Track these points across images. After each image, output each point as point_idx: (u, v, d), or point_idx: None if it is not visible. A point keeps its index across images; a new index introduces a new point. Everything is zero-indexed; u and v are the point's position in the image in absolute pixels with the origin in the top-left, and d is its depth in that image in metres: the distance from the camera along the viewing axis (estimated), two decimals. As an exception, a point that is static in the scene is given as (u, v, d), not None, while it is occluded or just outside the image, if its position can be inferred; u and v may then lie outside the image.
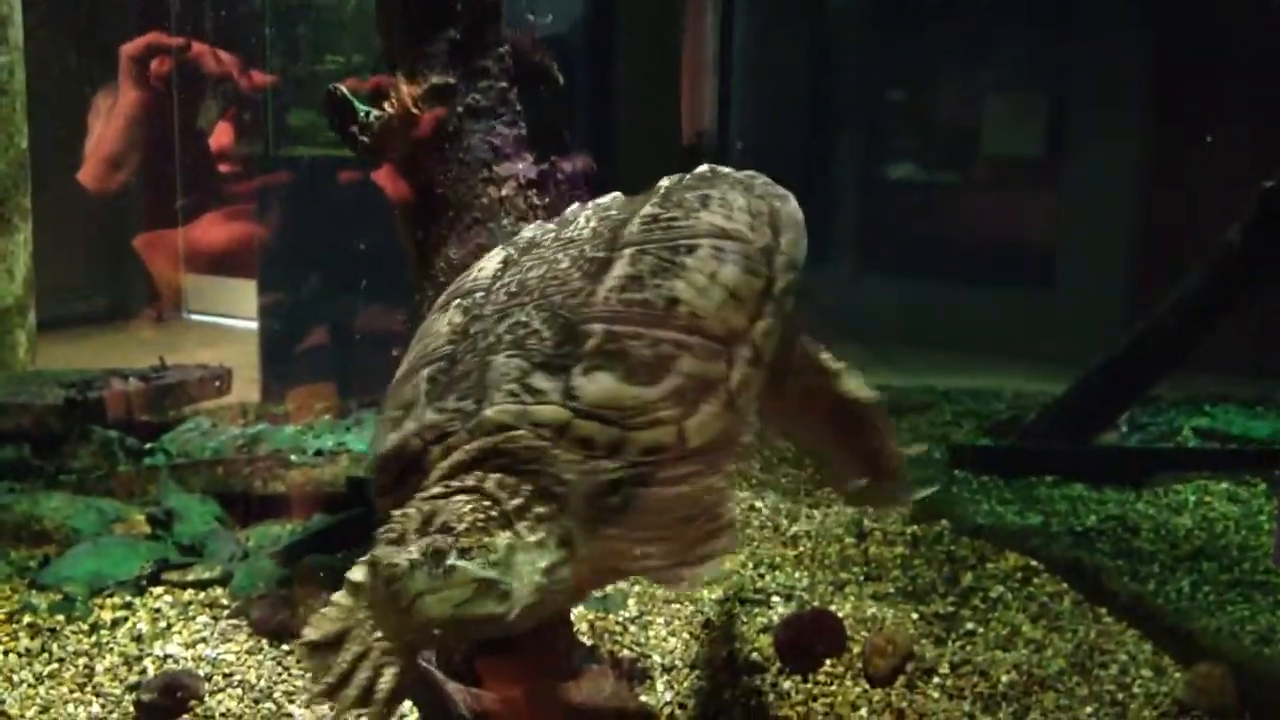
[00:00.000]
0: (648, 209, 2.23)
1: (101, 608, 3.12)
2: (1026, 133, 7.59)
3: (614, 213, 2.28)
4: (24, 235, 5.37)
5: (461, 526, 1.78)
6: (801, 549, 3.61)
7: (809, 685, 2.78)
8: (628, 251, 2.09)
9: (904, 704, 2.67)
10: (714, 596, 3.26)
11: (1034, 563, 3.41)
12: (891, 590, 3.29)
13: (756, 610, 3.16)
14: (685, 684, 2.80)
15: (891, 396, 5.47)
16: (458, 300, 2.17)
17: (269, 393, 6.06)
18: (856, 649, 2.90)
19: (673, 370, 1.93)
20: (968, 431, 5.16)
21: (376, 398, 5.45)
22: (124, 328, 7.39)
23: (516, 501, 1.84)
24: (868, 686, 2.76)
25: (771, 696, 2.73)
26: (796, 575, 3.41)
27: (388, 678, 1.89)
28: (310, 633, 1.94)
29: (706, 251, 2.10)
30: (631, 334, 1.96)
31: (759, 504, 3.99)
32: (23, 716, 2.61)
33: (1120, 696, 2.71)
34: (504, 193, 2.68)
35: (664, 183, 2.54)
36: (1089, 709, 2.65)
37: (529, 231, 2.37)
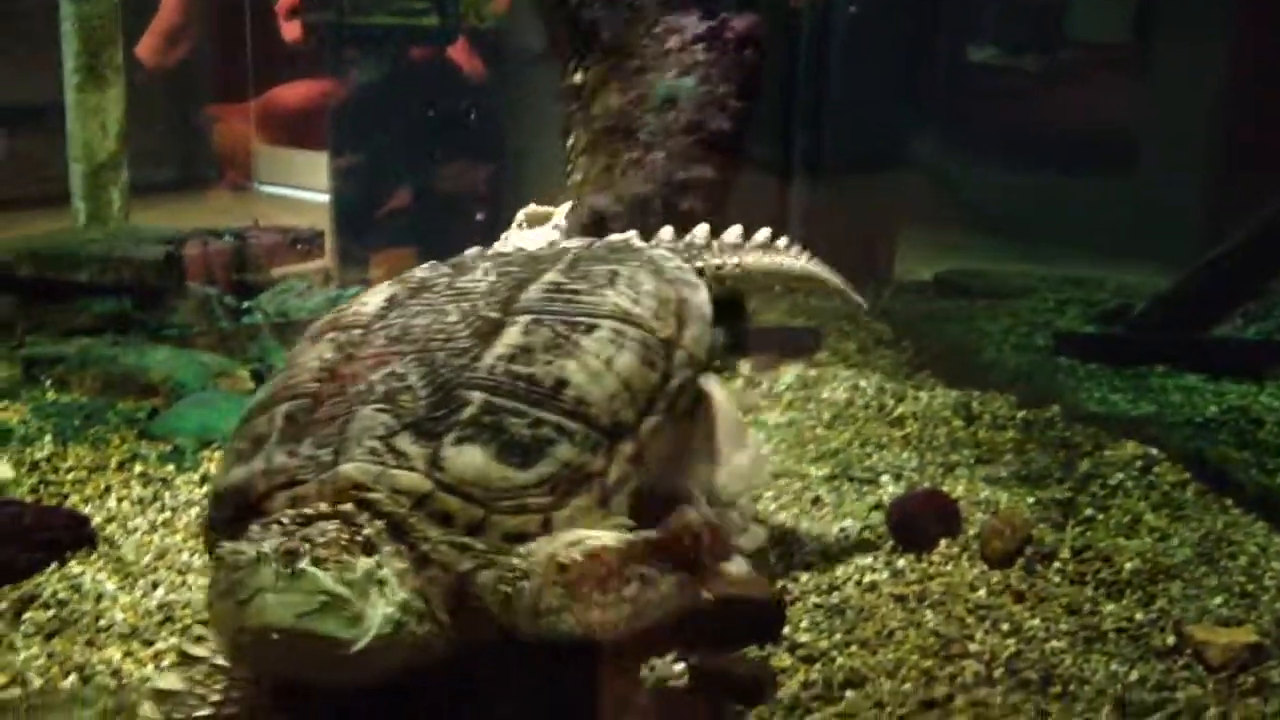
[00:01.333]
0: (552, 274, 2.11)
1: (209, 460, 3.13)
2: (1114, 17, 7.27)
3: (515, 269, 2.15)
4: (116, 90, 5.31)
5: (322, 539, 1.68)
6: (908, 430, 3.53)
7: (923, 564, 2.72)
8: (523, 319, 1.97)
9: (1024, 587, 2.61)
10: (821, 473, 3.21)
11: (1153, 451, 3.31)
12: (1004, 474, 3.21)
13: (866, 488, 3.11)
14: (797, 558, 2.76)
15: (988, 281, 5.38)
16: (332, 334, 2.04)
17: (346, 260, 6.03)
18: (972, 531, 2.83)
19: (549, 456, 1.82)
20: (1071, 319, 5.01)
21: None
22: (198, 196, 7.39)
23: (378, 525, 1.73)
24: (985, 568, 2.70)
25: (886, 574, 2.69)
26: (904, 455, 3.34)
27: None
28: (159, 681, 1.85)
29: (606, 334, 1.99)
30: (512, 409, 1.84)
31: (862, 383, 3.91)
32: (137, 563, 2.63)
33: (1250, 588, 2.63)
34: (670, 45, 2.59)
35: (572, 245, 2.42)
36: (1218, 599, 2.57)
37: (421, 271, 2.24)
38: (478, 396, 1.83)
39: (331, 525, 1.70)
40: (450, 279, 2.14)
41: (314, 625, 1.62)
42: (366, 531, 1.71)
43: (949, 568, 2.71)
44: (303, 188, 6.94)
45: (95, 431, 3.27)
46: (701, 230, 2.51)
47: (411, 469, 1.75)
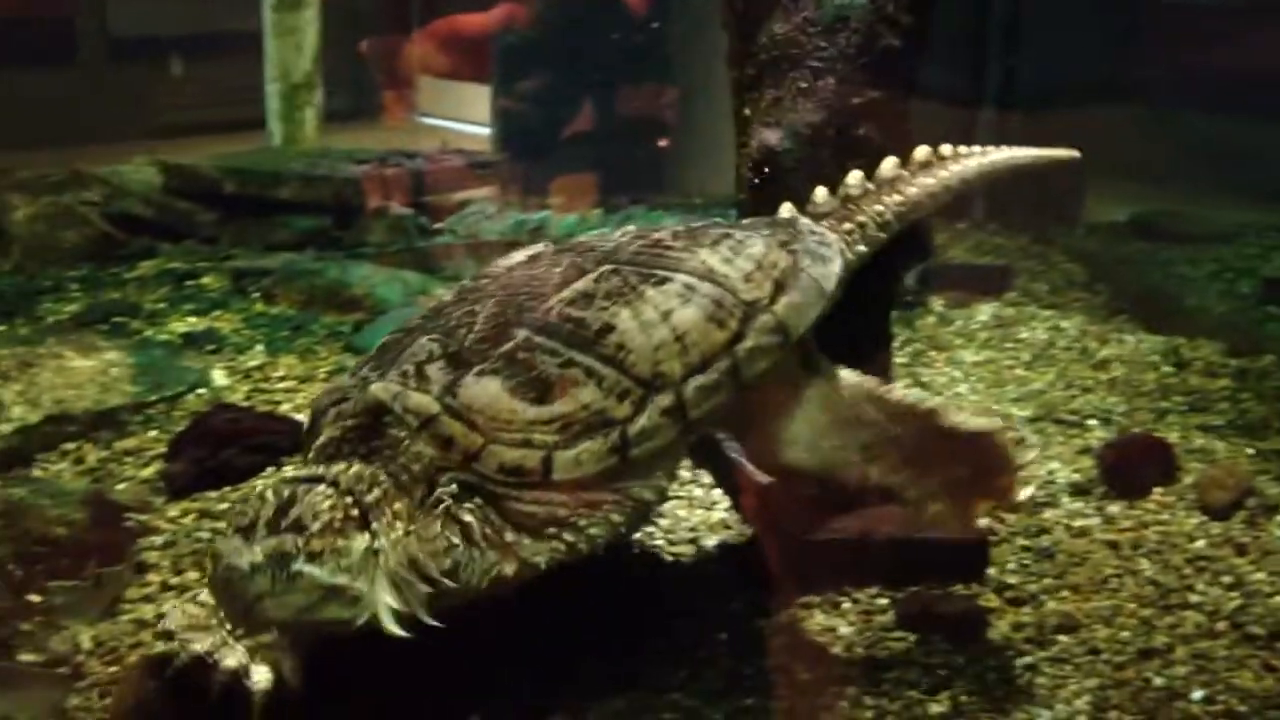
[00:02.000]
0: (663, 234, 2.06)
1: (412, 375, 3.19)
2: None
3: (652, 230, 2.10)
4: (312, 11, 5.43)
5: (315, 526, 1.67)
6: (1114, 374, 3.41)
7: (1137, 512, 2.63)
8: (603, 268, 1.94)
9: (1246, 539, 2.50)
10: (1024, 414, 3.12)
11: (1383, 406, 3.14)
12: (1220, 423, 3.07)
13: (1073, 432, 3.01)
14: (1003, 499, 2.68)
15: (1188, 224, 5.13)
16: (465, 281, 2.09)
17: (527, 186, 6.05)
18: (1188, 479, 2.72)
19: (568, 396, 1.78)
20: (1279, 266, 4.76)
21: (641, 194, 5.41)
22: (367, 125, 7.50)
23: (376, 494, 1.73)
24: (1204, 518, 2.59)
25: (1097, 519, 2.60)
26: (1111, 400, 3.23)
27: (260, 681, 1.80)
28: (177, 623, 1.86)
29: (675, 287, 1.91)
30: (549, 348, 1.81)
31: (1063, 324, 3.78)
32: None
33: None
34: (833, -30, 2.50)
35: (746, 221, 2.26)
36: None
37: (584, 236, 2.20)
38: (521, 334, 1.83)
39: (325, 501, 1.70)
40: (598, 240, 2.12)
41: (315, 616, 1.67)
42: (367, 498, 1.73)
43: (1165, 516, 2.61)
44: (463, 120, 7.01)
45: (302, 343, 3.37)
46: (855, 179, 2.38)
47: (426, 391, 1.78)
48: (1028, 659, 2.13)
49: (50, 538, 2.24)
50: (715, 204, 4.71)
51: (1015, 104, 5.62)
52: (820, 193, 2.33)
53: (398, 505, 1.75)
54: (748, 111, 2.53)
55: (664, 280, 1.92)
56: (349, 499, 1.72)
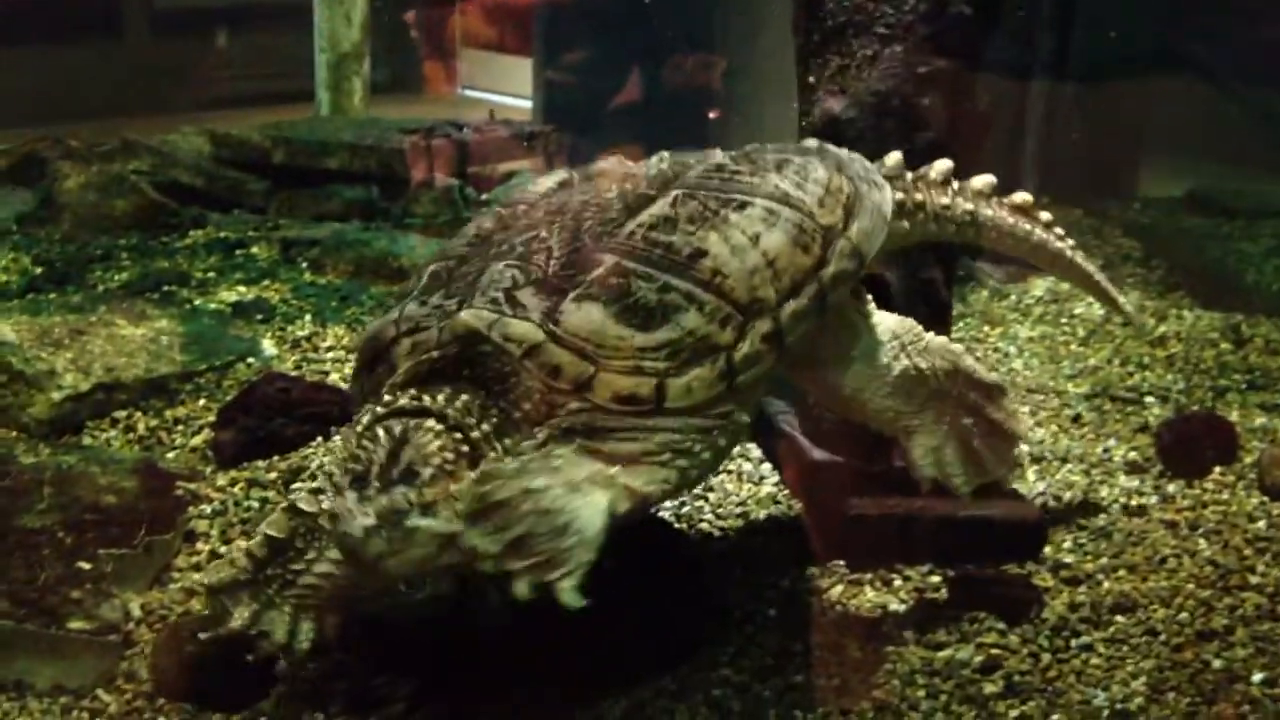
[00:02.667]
0: (719, 158, 2.01)
1: (459, 346, 3.18)
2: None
3: (690, 159, 2.04)
4: (374, -19, 5.41)
5: (427, 472, 1.63)
6: (1172, 350, 3.34)
7: (1196, 491, 2.58)
8: (675, 192, 1.88)
9: (1309, 521, 2.45)
10: (1080, 391, 3.06)
11: None
12: (1281, 401, 3.02)
13: (1130, 409, 2.96)
14: (1058, 477, 2.64)
15: (1246, 200, 5.02)
16: (500, 208, 2.03)
17: (573, 157, 6.02)
18: (1248, 459, 2.67)
19: (672, 321, 1.74)
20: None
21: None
22: (411, 97, 7.49)
23: (485, 429, 1.69)
24: (1265, 499, 2.53)
25: (1154, 499, 2.55)
26: (1169, 377, 3.16)
27: (303, 635, 1.81)
28: (207, 578, 1.86)
29: (758, 212, 1.88)
30: (642, 274, 1.76)
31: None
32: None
33: None
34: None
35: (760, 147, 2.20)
36: None
37: (603, 162, 2.13)
38: (609, 259, 1.78)
39: (434, 441, 1.66)
40: (627, 169, 2.09)
41: (439, 561, 1.65)
42: (469, 434, 1.69)
43: (1224, 496, 2.56)
44: (504, 93, 6.99)
45: (351, 313, 3.37)
46: (941, 166, 2.34)
47: (527, 319, 1.72)
48: (1084, 639, 2.10)
49: (101, 505, 2.25)
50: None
51: (1069, 75, 5.52)
52: (894, 157, 2.29)
53: (508, 440, 1.71)
54: (811, 79, 2.48)
55: (744, 204, 1.88)
56: (458, 434, 1.68)
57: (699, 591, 2.15)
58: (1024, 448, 2.75)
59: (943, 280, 2.50)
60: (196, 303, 3.46)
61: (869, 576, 2.28)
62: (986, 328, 3.54)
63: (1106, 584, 2.25)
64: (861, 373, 2.06)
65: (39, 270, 3.70)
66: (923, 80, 2.41)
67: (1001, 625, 2.13)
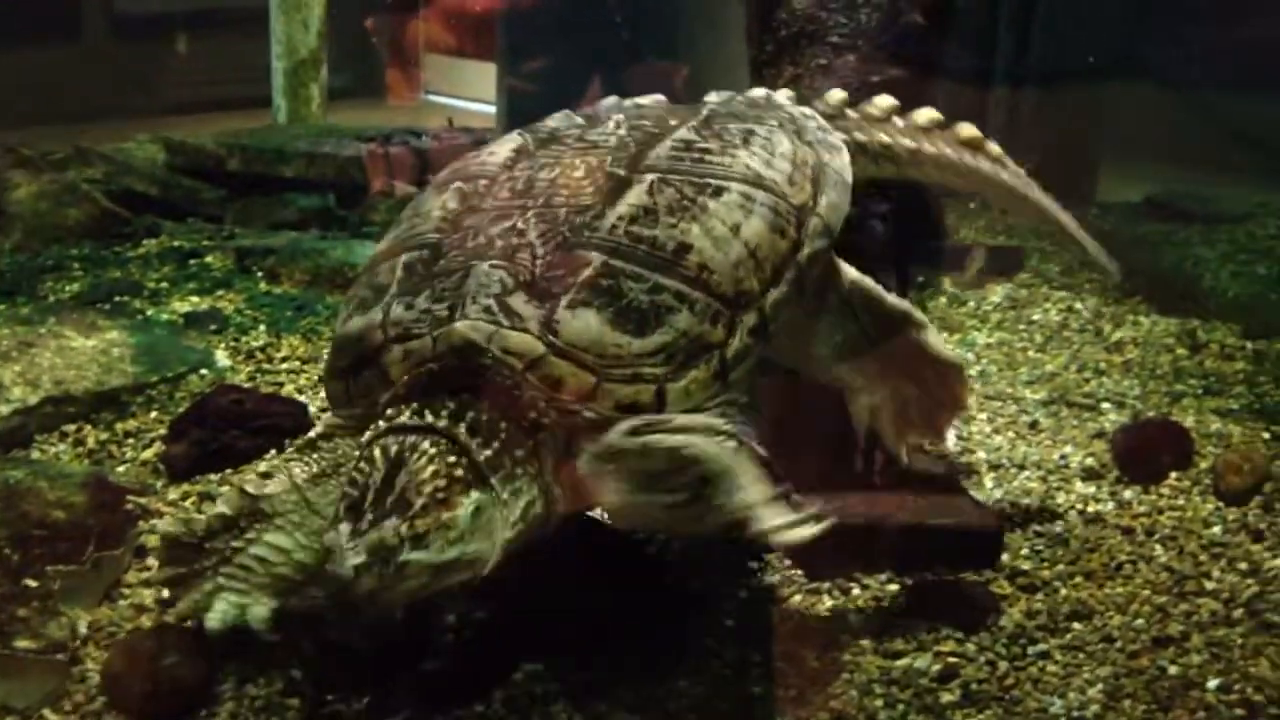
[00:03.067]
0: (684, 131, 1.98)
1: (416, 356, 3.16)
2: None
3: (647, 123, 2.02)
4: (319, -13, 5.38)
5: (419, 502, 1.59)
6: (1129, 356, 3.36)
7: (1152, 497, 2.59)
8: (650, 177, 1.86)
9: (1263, 525, 2.46)
10: (1037, 397, 3.08)
11: (1403, 391, 3.09)
12: (1236, 407, 3.03)
13: (1086, 415, 2.97)
14: (1015, 483, 2.65)
15: (1203, 204, 5.05)
16: (458, 183, 1.95)
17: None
18: (1203, 464, 2.68)
19: (666, 324, 1.72)
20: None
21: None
22: (372, 103, 7.44)
23: (489, 452, 1.65)
24: (1220, 504, 2.55)
25: (1111, 505, 2.56)
26: (1125, 383, 3.18)
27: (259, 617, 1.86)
28: (169, 526, 1.91)
29: (734, 198, 1.87)
30: (631, 273, 1.74)
31: (1078, 305, 3.74)
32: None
33: None
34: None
35: (710, 99, 2.23)
36: None
37: (553, 121, 2.12)
38: (596, 258, 1.75)
39: (429, 466, 1.61)
40: (581, 131, 2.04)
41: (436, 586, 1.62)
42: (472, 457, 1.64)
43: (1180, 501, 2.57)
44: (468, 98, 6.97)
45: (307, 323, 3.34)
46: (882, 101, 2.33)
47: (525, 330, 1.69)
48: (1040, 646, 2.10)
49: (49, 521, 2.21)
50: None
51: (1026, 81, 5.55)
52: (835, 93, 2.28)
53: (519, 452, 1.68)
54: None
55: (720, 190, 1.87)
56: (454, 456, 1.63)
57: (655, 601, 2.14)
58: (981, 454, 2.76)
59: (897, 288, 2.51)
60: (149, 313, 3.42)
61: (827, 585, 2.28)
62: (944, 334, 3.54)
63: (1063, 591, 2.26)
64: (821, 335, 2.10)
65: (-11, 281, 3.65)
66: (876, 89, 2.42)
67: (959, 633, 2.13)
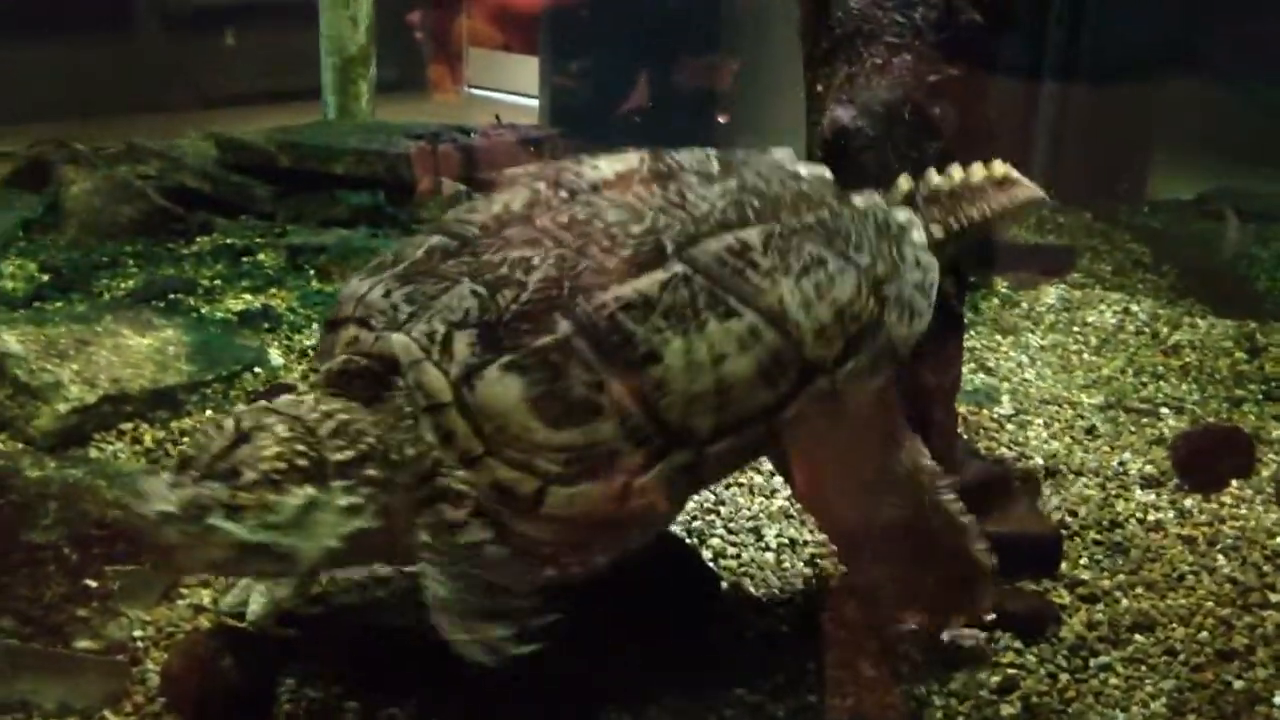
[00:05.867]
0: (752, 233, 1.79)
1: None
2: None
3: (754, 201, 1.84)
4: (367, -16, 5.38)
5: (250, 475, 1.55)
6: (1186, 359, 3.31)
7: (1213, 505, 2.55)
8: (677, 269, 1.70)
9: (1329, 536, 2.42)
10: (1094, 402, 3.04)
11: None
12: (1299, 413, 2.99)
13: (1144, 420, 2.93)
14: (1073, 490, 2.62)
15: (1258, 203, 4.97)
16: (540, 185, 1.83)
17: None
18: (1265, 471, 2.64)
19: (586, 426, 1.62)
20: None
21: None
22: (416, 97, 7.45)
23: (342, 457, 1.60)
24: (1283, 514, 2.51)
25: (1171, 513, 2.53)
26: (1184, 387, 3.14)
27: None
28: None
29: (741, 328, 1.71)
30: (585, 362, 1.62)
31: (1133, 307, 3.68)
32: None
33: None
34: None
35: (825, 188, 2.00)
36: None
37: (684, 155, 1.92)
38: (564, 329, 1.63)
39: (275, 446, 1.58)
40: (695, 180, 1.85)
41: (241, 568, 1.60)
42: (324, 454, 1.60)
43: (1242, 510, 2.53)
44: (511, 92, 6.97)
45: (358, 322, 3.34)
46: (949, 179, 2.16)
47: (445, 373, 1.63)
48: (1102, 659, 2.07)
49: (107, 521, 2.22)
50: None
51: (1078, 77, 5.48)
52: (903, 183, 2.21)
53: (374, 472, 1.63)
54: (820, 87, 2.45)
55: (731, 314, 1.72)
56: (304, 447, 1.59)
57: (711, 608, 2.13)
58: (1038, 460, 2.73)
59: (955, 292, 2.48)
60: (203, 311, 3.43)
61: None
62: (999, 336, 3.51)
63: (1124, 601, 2.23)
64: (824, 473, 1.95)
65: (45, 278, 3.67)
66: (933, 88, 2.39)
67: (1019, 644, 2.10)
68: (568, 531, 1.66)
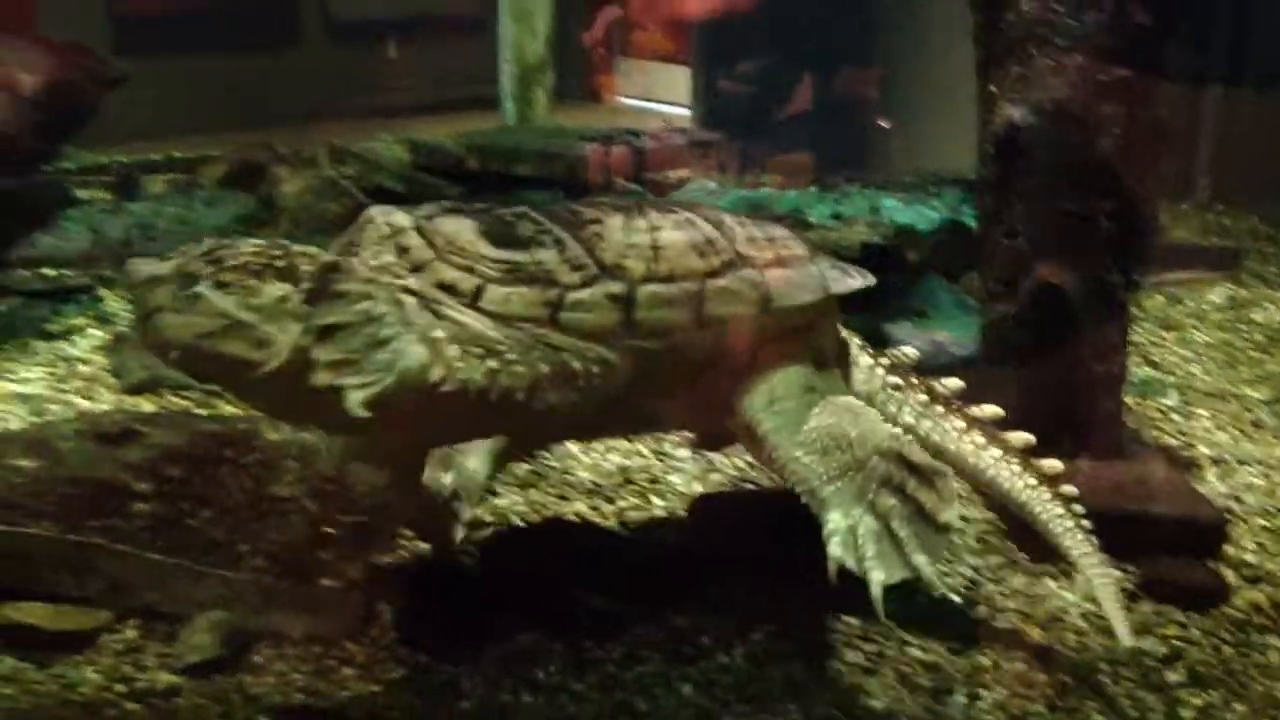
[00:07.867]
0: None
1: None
2: None
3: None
4: (546, -4, 5.64)
5: (232, 262, 1.67)
6: (1362, 356, 3.34)
7: (1379, 496, 2.60)
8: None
9: None
10: (1259, 396, 3.09)
11: None
12: None
13: (1311, 415, 2.98)
14: (1238, 478, 2.69)
15: None
16: (664, 213, 1.98)
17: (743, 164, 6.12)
18: None
19: (528, 251, 1.80)
20: None
21: (853, 173, 5.45)
22: (581, 105, 7.66)
23: (313, 265, 1.71)
24: None
25: (1340, 503, 2.58)
26: (1353, 385, 3.17)
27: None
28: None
29: (678, 218, 1.93)
30: (535, 219, 1.85)
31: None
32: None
33: None
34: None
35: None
36: None
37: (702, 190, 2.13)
38: (522, 208, 1.88)
39: (252, 250, 1.70)
40: (705, 222, 1.98)
41: (219, 346, 1.66)
42: (304, 265, 1.70)
43: None
44: (660, 100, 7.12)
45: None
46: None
47: (410, 214, 1.84)
48: (1267, 637, 2.15)
49: (339, 477, 2.46)
50: (937, 181, 4.71)
51: (1245, 80, 5.43)
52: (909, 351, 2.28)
53: (335, 277, 1.72)
54: (992, 88, 2.57)
55: (673, 213, 1.95)
56: (278, 252, 1.71)
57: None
58: (1203, 449, 2.80)
59: (1123, 283, 2.58)
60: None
61: (1050, 569, 2.36)
62: (1163, 332, 3.57)
63: (1290, 584, 2.30)
64: (779, 421, 1.96)
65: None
66: (1102, 89, 2.49)
67: (1183, 618, 2.19)
68: (507, 331, 1.78)
